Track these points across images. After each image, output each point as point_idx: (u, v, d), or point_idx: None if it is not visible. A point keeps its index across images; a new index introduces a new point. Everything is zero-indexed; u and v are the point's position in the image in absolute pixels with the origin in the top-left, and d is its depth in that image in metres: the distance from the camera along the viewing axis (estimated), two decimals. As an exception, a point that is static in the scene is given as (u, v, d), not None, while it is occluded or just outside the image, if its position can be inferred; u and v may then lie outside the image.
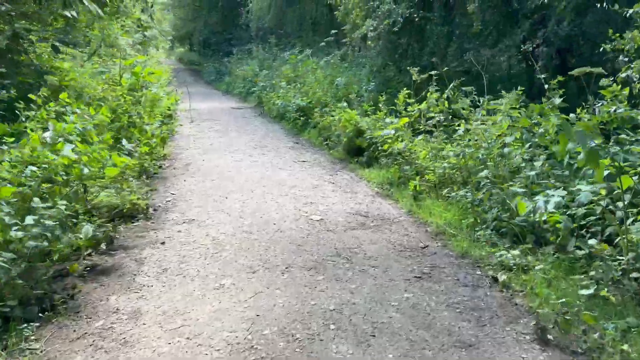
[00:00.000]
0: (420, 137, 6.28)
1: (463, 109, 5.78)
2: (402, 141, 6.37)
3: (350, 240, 4.48)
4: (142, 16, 8.37)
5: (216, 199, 5.69)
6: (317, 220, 5.02)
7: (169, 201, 5.62)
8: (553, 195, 3.83)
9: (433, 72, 6.51)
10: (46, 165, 3.95)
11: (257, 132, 10.58)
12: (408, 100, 7.20)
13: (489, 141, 5.08)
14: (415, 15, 9.40)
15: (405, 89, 7.53)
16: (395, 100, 7.33)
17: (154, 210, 5.27)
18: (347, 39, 10.76)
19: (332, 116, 8.72)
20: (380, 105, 7.70)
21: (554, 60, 7.85)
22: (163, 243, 4.39)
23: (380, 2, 9.54)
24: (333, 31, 9.90)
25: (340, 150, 8.07)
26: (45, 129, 4.87)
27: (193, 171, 7.01)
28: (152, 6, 7.73)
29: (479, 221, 4.61)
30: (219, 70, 25.07)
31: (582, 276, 3.60)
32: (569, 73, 4.52)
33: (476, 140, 5.41)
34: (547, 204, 3.90)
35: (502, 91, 6.22)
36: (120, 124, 6.88)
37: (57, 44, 6.82)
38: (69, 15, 5.81)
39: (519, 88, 5.47)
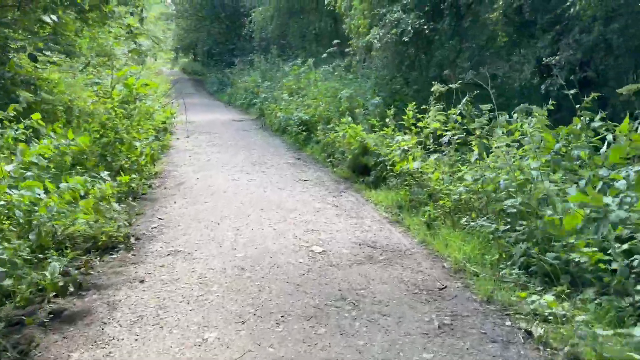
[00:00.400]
0: (435, 156, 5.71)
1: (481, 128, 5.23)
2: (413, 160, 5.81)
3: (357, 279, 3.91)
4: (131, 21, 7.85)
5: (207, 225, 5.14)
6: (319, 253, 4.45)
7: (155, 227, 5.06)
8: (613, 211, 3.27)
9: (454, 85, 5.96)
10: (4, 203, 3.42)
11: (257, 147, 10.06)
12: (418, 116, 6.67)
13: (512, 165, 4.52)
14: (425, 27, 8.90)
15: (413, 102, 7.04)
16: (403, 116, 6.78)
17: (137, 239, 4.72)
18: (352, 49, 10.26)
19: (336, 131, 8.19)
20: (387, 120, 7.17)
21: (575, 74, 7.31)
22: (142, 281, 3.83)
23: (387, 11, 9.05)
24: (335, 41, 9.41)
25: (344, 168, 7.52)
26: (13, 154, 4.36)
27: (185, 191, 6.47)
28: (142, 11, 7.22)
29: (504, 256, 4.04)
30: (222, 81, 24.73)
31: (633, 329, 3.02)
32: (617, 91, 3.97)
33: (496, 163, 4.86)
34: (601, 225, 3.35)
35: (519, 106, 5.69)
36: (107, 139, 6.37)
37: (37, 53, 6.32)
38: (49, 20, 5.33)
39: (548, 104, 4.90)
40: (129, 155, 6.41)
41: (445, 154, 6.03)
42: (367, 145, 6.99)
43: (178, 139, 10.82)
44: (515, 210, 4.16)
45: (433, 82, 6.31)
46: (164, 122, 9.54)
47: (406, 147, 5.97)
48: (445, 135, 6.09)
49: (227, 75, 24.19)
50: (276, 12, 17.84)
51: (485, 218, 4.52)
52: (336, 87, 10.92)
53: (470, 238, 4.47)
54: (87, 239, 4.36)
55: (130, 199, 5.81)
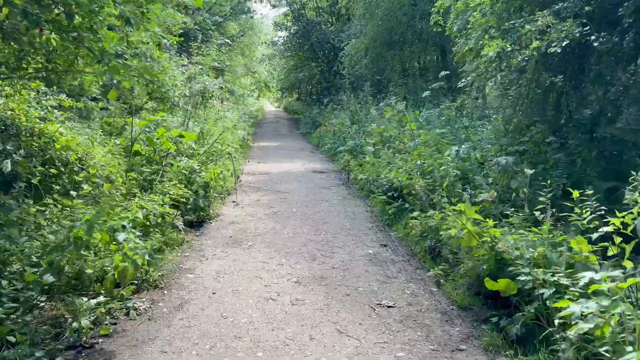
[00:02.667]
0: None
1: None
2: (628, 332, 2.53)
3: None
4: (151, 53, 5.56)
5: None
6: None
7: None
8: None
9: None
10: None
11: (330, 219, 7.24)
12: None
13: None
14: (591, 39, 5.56)
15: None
16: (576, 211, 3.51)
17: None
18: (467, 79, 7.07)
19: (444, 212, 5.04)
20: (542, 212, 3.92)
21: None
22: None
23: (526, 21, 5.84)
24: (443, 72, 6.42)
25: (461, 288, 4.34)
26: None
27: (177, 329, 3.77)
28: (159, 45, 4.92)
29: None
30: (315, 121, 22.87)
31: None
32: None
33: None
34: None
35: None
36: (57, 241, 3.89)
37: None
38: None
39: None
40: (91, 269, 3.90)
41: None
42: (504, 257, 3.78)
43: (234, 201, 8.40)
44: None
45: None
46: (207, 185, 7.13)
47: (600, 302, 2.69)
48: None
49: (319, 115, 22.31)
50: (371, 43, 15.26)
51: None
52: (442, 137, 7.82)
53: None
54: None
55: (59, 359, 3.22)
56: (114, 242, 4.30)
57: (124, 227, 4.59)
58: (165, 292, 4.48)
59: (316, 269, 5.11)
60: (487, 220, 4.01)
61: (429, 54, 16.14)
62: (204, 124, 9.52)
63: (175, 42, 7.44)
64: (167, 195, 5.68)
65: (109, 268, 3.88)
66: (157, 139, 6.18)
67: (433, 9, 8.41)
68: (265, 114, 39.95)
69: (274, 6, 36.03)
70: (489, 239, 3.98)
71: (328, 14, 33.62)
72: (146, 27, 4.90)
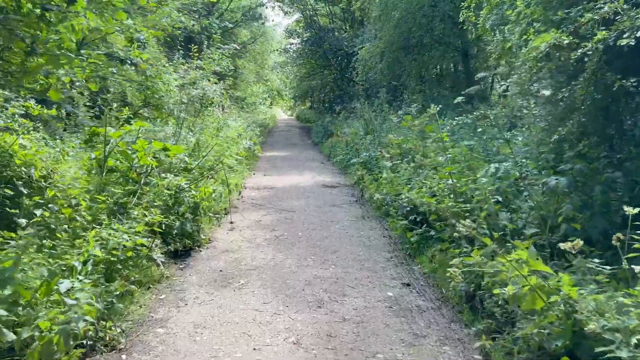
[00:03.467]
0: None
1: None
2: None
3: None
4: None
5: None
6: None
7: None
8: None
9: None
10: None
11: (341, 247, 6.15)
12: None
13: None
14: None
15: None
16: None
17: None
18: (508, 82, 5.89)
19: (484, 247, 3.90)
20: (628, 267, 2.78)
21: None
22: None
23: (584, 9, 4.70)
24: (480, 74, 5.31)
25: (516, 357, 3.20)
26: None
27: None
28: (137, 44, 3.93)
29: None
30: (327, 130, 21.91)
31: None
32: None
33: None
34: None
35: None
36: None
37: None
38: None
39: None
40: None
41: None
42: (589, 327, 2.64)
43: (231, 222, 7.35)
44: None
45: None
46: (196, 205, 6.08)
47: None
48: None
49: (331, 123, 21.34)
50: (387, 47, 14.19)
51: None
52: (471, 150, 6.68)
53: None
54: None
55: None
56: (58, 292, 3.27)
57: (74, 268, 3.57)
58: (124, 356, 3.41)
59: (322, 322, 4.01)
60: (561, 274, 2.87)
61: (448, 59, 15.02)
62: (201, 134, 8.50)
63: (151, 38, 6.43)
64: (141, 223, 4.63)
65: (36, 334, 2.83)
66: (134, 152, 5.16)
67: (463, 3, 7.30)
68: (277, 122, 39.17)
69: (286, 13, 35.31)
70: (561, 299, 2.84)
71: (341, 21, 32.76)
72: (111, 15, 3.89)
